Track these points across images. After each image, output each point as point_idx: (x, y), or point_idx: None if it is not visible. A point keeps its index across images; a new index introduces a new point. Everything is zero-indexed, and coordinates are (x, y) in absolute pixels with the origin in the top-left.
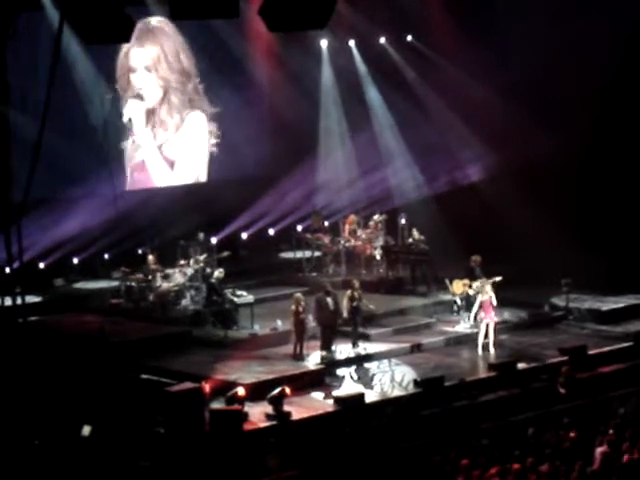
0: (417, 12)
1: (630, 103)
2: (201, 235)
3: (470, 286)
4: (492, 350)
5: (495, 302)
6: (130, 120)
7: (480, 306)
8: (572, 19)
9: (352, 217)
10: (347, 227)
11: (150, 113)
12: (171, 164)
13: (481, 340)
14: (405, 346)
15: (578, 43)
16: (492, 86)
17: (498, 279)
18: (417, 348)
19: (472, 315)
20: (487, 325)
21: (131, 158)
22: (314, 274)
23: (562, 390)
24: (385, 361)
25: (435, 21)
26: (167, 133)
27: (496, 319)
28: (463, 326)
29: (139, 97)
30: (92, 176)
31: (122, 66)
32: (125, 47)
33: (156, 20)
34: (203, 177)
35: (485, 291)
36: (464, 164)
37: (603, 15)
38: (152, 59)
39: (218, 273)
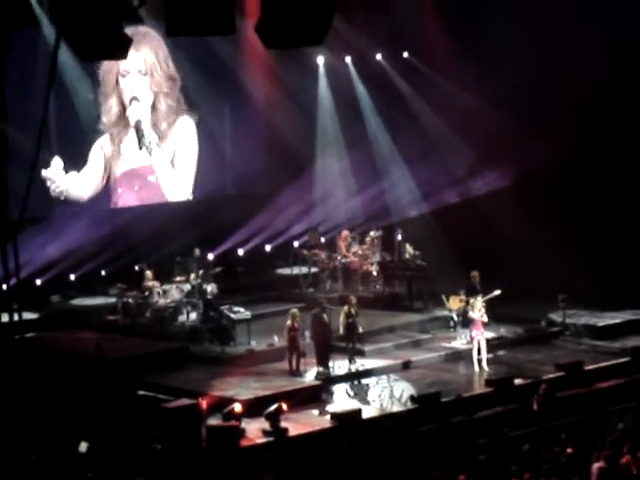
0: (413, 28)
1: (625, 112)
2: (197, 251)
3: (468, 302)
4: (485, 367)
5: (486, 319)
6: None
7: (471, 323)
8: (565, 27)
9: (345, 233)
10: (341, 243)
11: (140, 118)
12: (162, 174)
13: (475, 356)
14: (401, 362)
15: (572, 51)
16: (488, 100)
17: (497, 293)
18: (406, 365)
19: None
20: (479, 342)
21: (115, 169)
22: (311, 290)
23: (535, 406)
24: (383, 377)
25: (430, 37)
26: (156, 140)
27: (487, 336)
28: (460, 342)
29: (135, 100)
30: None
31: (109, 70)
32: None
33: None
34: (189, 192)
35: (476, 308)
36: (461, 179)
37: (597, 21)
38: (148, 63)
39: (211, 288)
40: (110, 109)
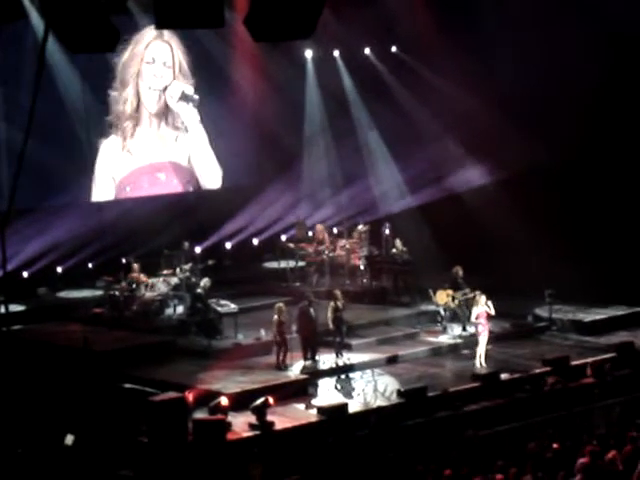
0: (402, 23)
1: (618, 113)
2: (185, 244)
3: (453, 297)
4: (483, 362)
5: (493, 312)
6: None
7: (477, 318)
8: (559, 24)
9: (319, 226)
10: (317, 236)
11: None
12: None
13: (479, 352)
14: (388, 357)
15: (565, 47)
16: (477, 96)
17: (477, 293)
18: (393, 360)
19: (466, 324)
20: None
21: (122, 168)
22: (298, 284)
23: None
24: (368, 371)
25: (420, 32)
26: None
27: (472, 330)
28: (447, 336)
29: (155, 91)
30: (75, 185)
31: (132, 59)
32: (144, 39)
33: None
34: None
35: (480, 302)
36: (449, 174)
37: (591, 19)
38: (170, 54)
39: (204, 282)
40: (126, 100)
